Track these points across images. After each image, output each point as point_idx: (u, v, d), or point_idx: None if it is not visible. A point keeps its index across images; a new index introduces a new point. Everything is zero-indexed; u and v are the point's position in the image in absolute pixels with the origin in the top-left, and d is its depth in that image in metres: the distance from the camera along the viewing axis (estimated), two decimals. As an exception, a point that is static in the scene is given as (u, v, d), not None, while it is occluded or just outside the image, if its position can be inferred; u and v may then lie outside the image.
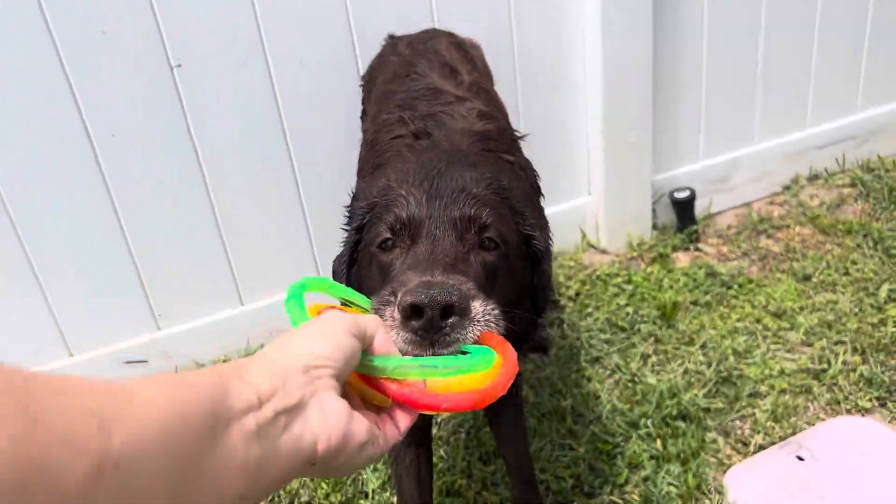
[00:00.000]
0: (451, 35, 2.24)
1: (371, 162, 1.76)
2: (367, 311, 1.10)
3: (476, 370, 0.93)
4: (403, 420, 0.92)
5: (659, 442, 2.16)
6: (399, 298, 1.04)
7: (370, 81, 2.24)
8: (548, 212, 2.99)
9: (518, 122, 2.67)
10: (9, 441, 0.51)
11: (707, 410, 2.26)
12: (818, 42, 3.10)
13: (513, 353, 1.00)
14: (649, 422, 2.22)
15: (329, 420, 0.78)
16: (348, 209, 1.51)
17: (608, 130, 2.83)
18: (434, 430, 2.27)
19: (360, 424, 0.82)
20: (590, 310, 2.71)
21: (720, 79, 3.01)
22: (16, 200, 2.28)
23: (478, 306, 1.06)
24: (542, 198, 1.79)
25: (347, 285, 1.39)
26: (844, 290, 2.67)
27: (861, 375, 2.30)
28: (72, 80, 2.21)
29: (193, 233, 2.53)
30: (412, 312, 1.01)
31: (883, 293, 2.60)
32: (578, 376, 2.44)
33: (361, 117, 2.42)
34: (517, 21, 2.64)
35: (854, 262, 2.78)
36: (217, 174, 2.47)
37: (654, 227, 3.10)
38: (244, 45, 2.35)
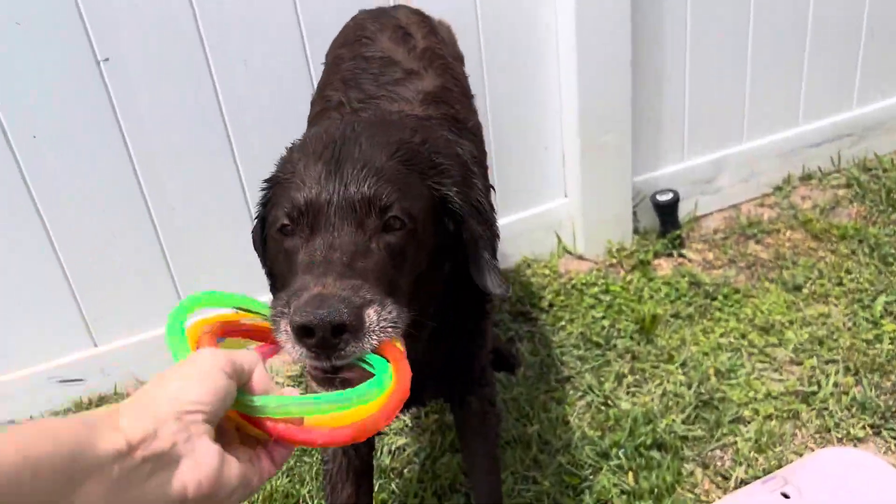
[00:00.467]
0: (418, 11, 2.06)
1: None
2: (264, 316, 1.09)
3: (360, 402, 0.91)
4: (280, 454, 0.91)
5: (631, 475, 1.97)
6: (290, 315, 1.03)
7: (334, 61, 2.03)
8: (521, 215, 2.81)
9: (487, 121, 2.46)
10: None
11: (685, 439, 2.06)
12: (811, 33, 2.89)
13: (406, 372, 0.99)
14: (621, 452, 2.03)
15: (201, 465, 0.79)
16: None
17: (584, 129, 2.62)
18: (387, 461, 2.08)
19: (232, 468, 0.83)
20: (563, 322, 2.51)
21: (705, 73, 2.79)
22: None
23: (372, 315, 1.05)
24: (486, 170, 1.68)
25: (262, 259, 1.42)
26: (837, 301, 2.47)
27: (854, 399, 2.11)
28: (-16, 76, 2.00)
29: (129, 241, 2.33)
30: (304, 333, 1.01)
31: (879, 306, 2.40)
32: (547, 398, 2.24)
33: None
34: (484, 10, 2.42)
35: (848, 272, 2.58)
36: (153, 177, 2.27)
37: (636, 231, 2.90)
38: (181, 40, 2.13)
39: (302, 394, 0.93)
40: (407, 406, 1.11)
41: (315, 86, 2.27)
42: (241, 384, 0.87)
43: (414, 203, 1.23)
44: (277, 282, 1.35)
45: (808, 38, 2.89)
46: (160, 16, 2.09)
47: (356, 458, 1.61)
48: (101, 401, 2.43)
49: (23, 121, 2.08)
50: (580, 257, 2.84)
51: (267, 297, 1.19)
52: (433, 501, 1.96)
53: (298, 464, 2.11)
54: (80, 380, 2.42)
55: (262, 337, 1.10)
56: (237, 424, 0.90)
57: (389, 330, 1.06)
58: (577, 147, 2.66)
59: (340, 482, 1.62)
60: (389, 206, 1.19)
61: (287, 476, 2.07)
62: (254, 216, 1.40)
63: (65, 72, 2.07)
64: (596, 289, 2.64)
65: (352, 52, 1.81)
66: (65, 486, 0.69)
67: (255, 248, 1.44)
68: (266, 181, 1.35)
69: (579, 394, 2.25)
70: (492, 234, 1.38)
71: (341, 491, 1.62)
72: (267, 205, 1.34)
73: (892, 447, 2.00)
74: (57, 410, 2.41)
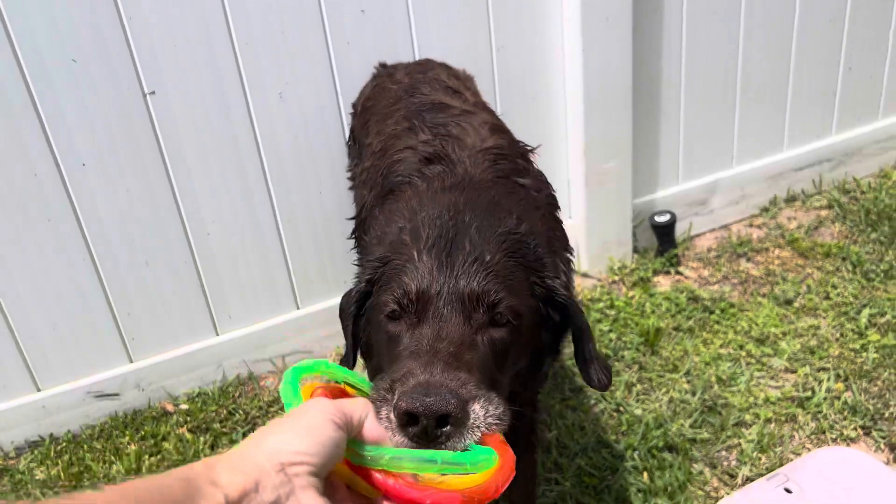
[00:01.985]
0: (447, 66, 2.28)
1: (380, 181, 1.73)
2: (366, 394, 1.07)
3: (474, 469, 0.91)
4: None
5: (646, 475, 2.13)
6: (395, 401, 1.01)
7: (364, 111, 2.21)
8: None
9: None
10: None
11: (693, 441, 2.23)
12: (794, 66, 3.12)
13: (511, 457, 1.00)
14: (636, 454, 2.19)
15: None
16: (358, 257, 1.52)
17: (589, 156, 2.81)
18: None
19: None
20: (572, 336, 2.68)
21: (698, 103, 3.01)
22: (-19, 232, 2.19)
23: (478, 410, 1.03)
24: (558, 211, 1.79)
25: (352, 333, 1.41)
26: (825, 314, 2.67)
27: (845, 403, 2.30)
28: (41, 110, 2.14)
29: (166, 262, 2.46)
30: (408, 420, 0.99)
31: (863, 318, 2.60)
32: (563, 406, 2.40)
33: (348, 144, 2.40)
34: (497, 50, 2.61)
35: (834, 287, 2.78)
36: (191, 202, 2.41)
37: (635, 250, 3.09)
38: (221, 75, 2.29)
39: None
40: None
41: (344, 120, 2.45)
42: (353, 434, 0.85)
43: (520, 300, 1.26)
44: (370, 360, 1.40)
45: (791, 72, 3.12)
46: (202, 51, 2.24)
47: None
48: (136, 415, 2.54)
49: (73, 150, 2.21)
50: (585, 275, 3.02)
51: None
52: None
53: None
54: (117, 395, 2.54)
55: None
56: (346, 480, 0.88)
57: (495, 425, 1.05)
58: (581, 173, 2.85)
59: None
60: (497, 303, 1.21)
61: None
62: (356, 289, 1.39)
63: (114, 104, 2.21)
64: (601, 304, 2.81)
65: (407, 103, 1.94)
66: None
67: (342, 318, 1.44)
68: (377, 260, 1.36)
69: (593, 401, 2.41)
70: (589, 327, 1.39)
71: None
72: (372, 282, 1.35)
73: (882, 446, 2.18)
74: (93, 425, 2.52)
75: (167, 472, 0.72)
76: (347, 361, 1.46)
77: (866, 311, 2.63)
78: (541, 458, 2.20)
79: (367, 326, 1.38)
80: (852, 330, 2.58)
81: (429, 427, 0.98)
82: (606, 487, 2.11)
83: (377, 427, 0.90)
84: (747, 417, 2.30)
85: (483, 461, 0.94)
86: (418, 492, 0.85)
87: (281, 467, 0.75)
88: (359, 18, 2.38)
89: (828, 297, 2.75)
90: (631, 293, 2.88)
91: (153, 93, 2.24)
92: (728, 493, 2.07)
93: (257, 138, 2.40)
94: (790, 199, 3.35)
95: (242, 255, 2.54)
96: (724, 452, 2.21)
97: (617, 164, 2.87)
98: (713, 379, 2.44)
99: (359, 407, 0.88)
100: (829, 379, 2.39)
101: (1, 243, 2.23)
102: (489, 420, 1.04)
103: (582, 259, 3.02)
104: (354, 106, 2.35)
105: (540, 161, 2.85)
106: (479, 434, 1.02)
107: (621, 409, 2.37)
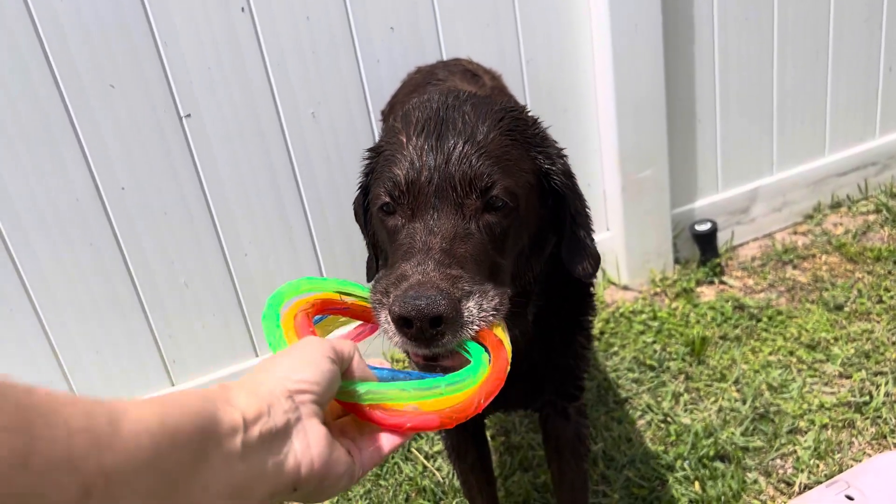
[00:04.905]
0: (472, 61, 2.29)
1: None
2: (364, 299, 1.12)
3: (449, 391, 0.93)
4: (389, 441, 0.91)
5: (697, 484, 2.05)
6: (389, 305, 1.04)
7: (391, 109, 2.19)
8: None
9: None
10: (9, 453, 0.52)
11: (746, 449, 2.15)
12: (832, 68, 3.06)
13: (502, 364, 1.00)
14: (685, 464, 2.11)
15: (312, 446, 0.79)
16: None
17: (624, 166, 2.77)
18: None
19: (341, 454, 0.83)
20: (615, 348, 2.62)
21: (734, 110, 2.96)
22: (24, 253, 2.23)
23: (472, 307, 1.05)
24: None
25: (364, 229, 1.44)
26: (879, 318, 2.57)
27: (906, 407, 2.19)
28: (80, 135, 2.19)
29: (206, 284, 2.48)
30: (403, 323, 1.02)
31: (920, 320, 2.50)
32: (608, 418, 2.34)
33: None
34: (527, 60, 2.61)
35: (887, 290, 2.68)
36: (229, 224, 2.43)
37: (677, 261, 3.03)
38: (254, 95, 2.32)
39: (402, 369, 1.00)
40: (493, 407, 1.10)
41: (376, 138, 2.46)
42: (343, 370, 0.88)
43: (517, 180, 1.21)
44: (380, 254, 1.38)
45: (829, 74, 3.06)
46: (236, 75, 2.29)
47: (472, 427, 1.69)
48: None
49: (112, 174, 2.26)
50: (625, 287, 2.96)
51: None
52: (509, 517, 2.05)
53: (375, 487, 2.21)
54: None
55: (363, 316, 1.13)
56: (336, 415, 0.93)
57: (490, 318, 1.07)
58: (617, 183, 2.82)
59: (464, 448, 1.71)
60: (491, 186, 1.16)
61: (366, 499, 2.17)
62: (359, 184, 1.40)
63: (151, 128, 2.26)
64: (644, 315, 2.75)
65: (422, 90, 1.94)
66: (195, 457, 0.67)
67: (357, 220, 1.46)
68: (369, 151, 1.34)
69: (638, 413, 2.34)
70: (587, 214, 1.35)
71: (466, 456, 1.73)
72: (369, 175, 1.34)
73: (948, 449, 2.07)
74: (137, 449, 2.52)
75: (185, 391, 0.73)
76: (371, 268, 1.46)
77: (923, 313, 2.53)
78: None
79: (371, 222, 1.36)
80: (909, 333, 2.48)
81: (424, 328, 1.01)
82: (657, 498, 2.04)
83: (361, 365, 0.91)
84: (802, 424, 2.21)
85: (464, 380, 0.95)
86: (396, 416, 0.89)
87: (289, 394, 0.79)
88: (388, 35, 2.41)
89: (881, 301, 2.65)
90: (674, 304, 2.81)
91: (189, 115, 2.28)
92: (785, 502, 1.98)
93: (292, 159, 2.43)
94: (835, 206, 3.26)
95: (280, 275, 2.55)
96: (778, 461, 2.12)
97: (653, 172, 2.83)
98: (763, 386, 2.35)
99: (347, 346, 0.90)
100: (887, 383, 2.29)
101: (44, 264, 2.27)
102: (483, 315, 1.06)
103: (622, 271, 2.97)
104: (383, 112, 2.33)
105: (573, 170, 2.85)
106: (475, 330, 1.05)
107: (669, 419, 2.29)
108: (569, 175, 1.33)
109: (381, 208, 1.22)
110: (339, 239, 2.57)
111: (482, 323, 1.06)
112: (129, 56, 2.17)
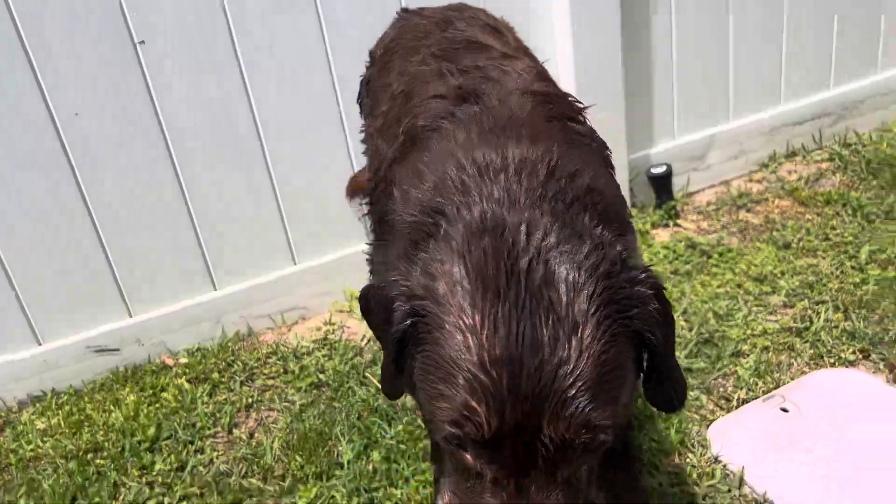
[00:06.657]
0: (485, 11, 2.01)
1: (405, 129, 1.48)
2: None
3: None
4: None
5: (640, 401, 2.11)
6: None
7: (387, 52, 1.95)
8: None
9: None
10: None
11: (689, 370, 2.21)
12: (787, 17, 3.11)
13: None
14: (630, 383, 2.17)
15: None
16: (371, 227, 1.45)
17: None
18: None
19: None
20: (569, 284, 2.67)
21: (691, 56, 3.01)
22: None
23: None
24: (612, 171, 1.55)
25: (395, 360, 1.11)
26: (825, 254, 2.64)
27: (844, 330, 2.26)
28: (32, 58, 2.19)
29: (163, 214, 2.49)
30: None
31: (864, 255, 2.57)
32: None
33: (359, 101, 2.19)
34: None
35: (834, 228, 2.75)
36: (186, 154, 2.45)
37: (633, 205, 3.07)
38: (209, 28, 2.34)
39: None
40: None
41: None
42: None
43: (623, 393, 0.99)
44: (416, 398, 1.24)
45: (784, 23, 3.11)
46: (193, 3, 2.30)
47: None
48: (136, 370, 2.56)
49: (66, 99, 2.26)
50: (582, 230, 3.00)
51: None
52: None
53: (329, 409, 2.24)
54: (117, 350, 2.56)
55: None
56: None
57: None
58: (575, 125, 2.85)
59: None
60: (597, 429, 0.93)
61: (320, 418, 2.20)
62: (383, 347, 1.16)
63: (105, 53, 2.26)
64: (599, 254, 2.80)
65: (438, 37, 1.71)
66: None
67: (372, 325, 1.20)
68: (406, 309, 1.03)
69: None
70: (674, 340, 1.14)
71: None
72: (406, 336, 1.05)
73: (881, 367, 2.14)
74: (94, 379, 2.54)
75: None
76: (390, 386, 1.22)
77: (866, 248, 2.59)
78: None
79: (410, 363, 1.08)
80: (852, 266, 2.54)
81: None
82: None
83: None
84: (744, 348, 2.27)
85: None
86: None
87: None
88: None
89: (827, 239, 2.72)
90: (629, 244, 2.86)
91: (143, 42, 2.29)
92: (723, 416, 2.04)
93: (248, 88, 2.45)
94: (790, 155, 3.32)
95: (238, 208, 2.56)
96: (720, 380, 2.18)
97: (609, 115, 2.86)
98: (710, 315, 2.41)
99: None
100: (827, 310, 2.35)
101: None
102: None
103: (579, 214, 3.01)
104: (372, 53, 2.09)
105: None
106: None
107: (617, 345, 2.35)
108: (663, 314, 1.06)
109: (446, 438, 0.98)
110: (301, 177, 2.59)
111: None
112: None
